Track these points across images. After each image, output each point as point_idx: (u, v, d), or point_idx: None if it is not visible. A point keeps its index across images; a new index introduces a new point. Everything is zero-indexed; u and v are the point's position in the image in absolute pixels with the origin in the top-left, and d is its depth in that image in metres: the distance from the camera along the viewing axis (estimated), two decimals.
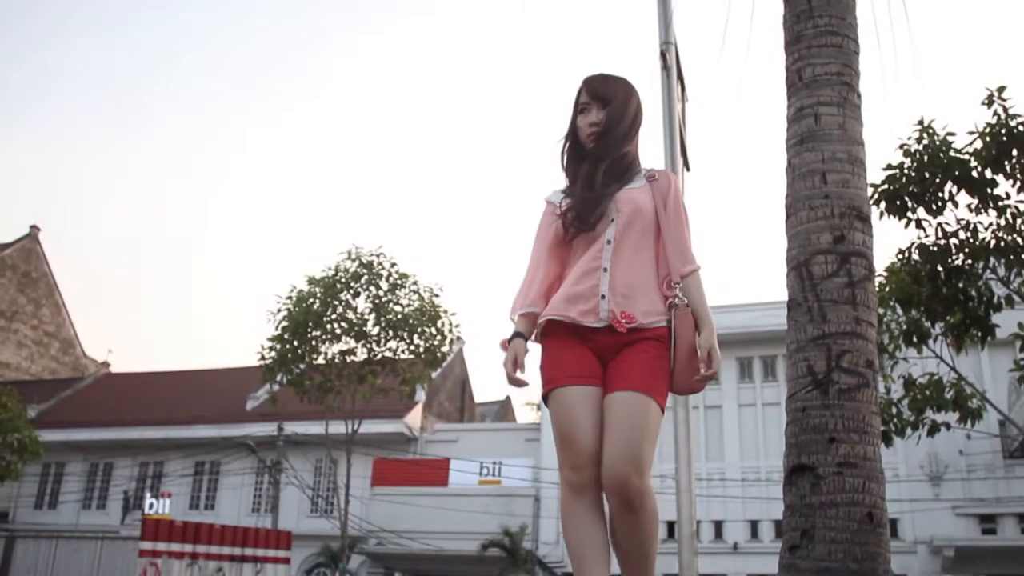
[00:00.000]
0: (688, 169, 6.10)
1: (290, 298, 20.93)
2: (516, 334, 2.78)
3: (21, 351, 38.92)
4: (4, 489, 28.73)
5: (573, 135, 2.94)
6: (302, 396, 21.52)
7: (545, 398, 2.72)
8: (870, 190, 8.28)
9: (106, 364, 39.73)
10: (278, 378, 21.79)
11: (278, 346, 20.79)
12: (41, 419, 31.25)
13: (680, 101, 6.13)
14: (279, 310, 20.87)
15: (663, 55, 5.95)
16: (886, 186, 9.74)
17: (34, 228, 40.49)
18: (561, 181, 3.00)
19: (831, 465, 4.28)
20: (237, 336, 74.06)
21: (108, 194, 71.47)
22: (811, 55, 5.21)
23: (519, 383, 2.72)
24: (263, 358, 21.27)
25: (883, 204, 9.72)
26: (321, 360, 21.29)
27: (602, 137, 2.84)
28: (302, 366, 21.35)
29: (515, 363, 2.73)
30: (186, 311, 75.75)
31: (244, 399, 31.44)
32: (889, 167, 9.79)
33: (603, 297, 2.68)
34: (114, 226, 73.12)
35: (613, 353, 2.68)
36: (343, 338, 21.04)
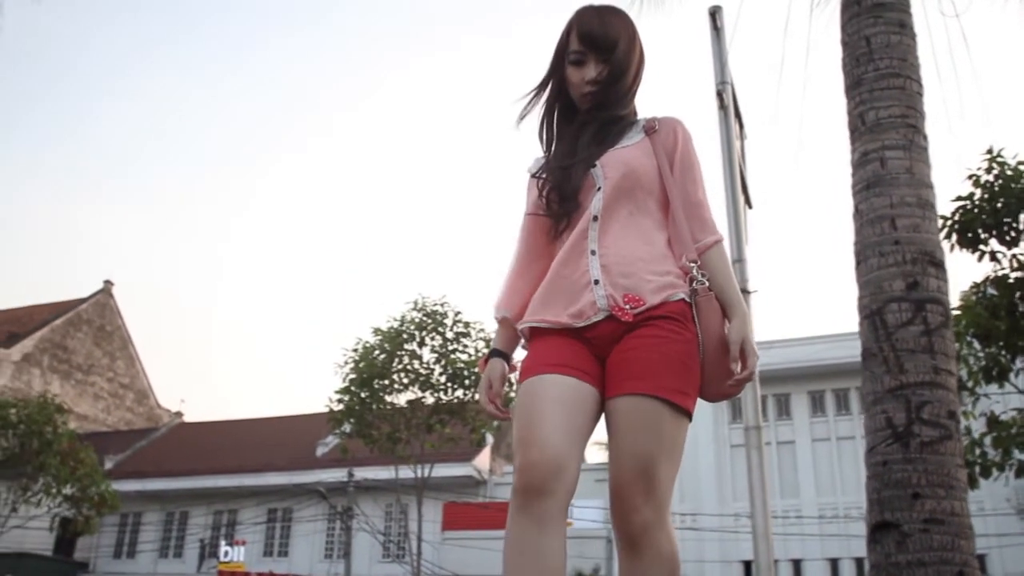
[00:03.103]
0: (750, 207, 6.05)
1: (356, 350, 21.21)
2: (493, 352, 2.25)
3: (98, 403, 39.84)
4: (84, 539, 29.30)
5: (560, 90, 2.27)
6: (371, 447, 21.69)
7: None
8: (939, 222, 8.12)
9: (179, 414, 40.44)
10: (346, 429, 22.01)
11: (345, 398, 21.04)
12: (118, 470, 31.91)
13: (739, 139, 6.11)
14: (346, 362, 21.15)
15: (720, 95, 5.94)
16: (957, 218, 9.52)
17: (107, 283, 41.57)
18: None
19: (916, 522, 4.16)
20: (306, 382, 74.89)
21: (177, 247, 73.31)
22: (873, 99, 5.15)
23: (496, 416, 2.17)
24: (331, 412, 21.55)
25: (954, 237, 9.50)
26: (388, 411, 21.46)
27: (601, 96, 2.20)
28: (370, 417, 21.53)
29: (488, 394, 2.19)
30: (255, 359, 76.99)
31: (314, 445, 31.70)
32: (959, 199, 9.58)
33: (596, 282, 2.06)
34: (183, 278, 74.89)
35: (615, 342, 2.05)
36: (409, 388, 21.22)
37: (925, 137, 5.08)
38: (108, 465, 32.44)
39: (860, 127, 5.15)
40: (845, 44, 5.44)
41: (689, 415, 1.99)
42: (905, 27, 5.33)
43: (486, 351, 2.37)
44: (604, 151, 2.17)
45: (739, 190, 5.71)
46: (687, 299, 2.07)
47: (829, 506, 24.56)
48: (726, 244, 5.18)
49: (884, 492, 4.32)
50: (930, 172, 5.02)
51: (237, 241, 72.72)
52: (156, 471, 32.45)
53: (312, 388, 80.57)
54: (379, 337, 21.17)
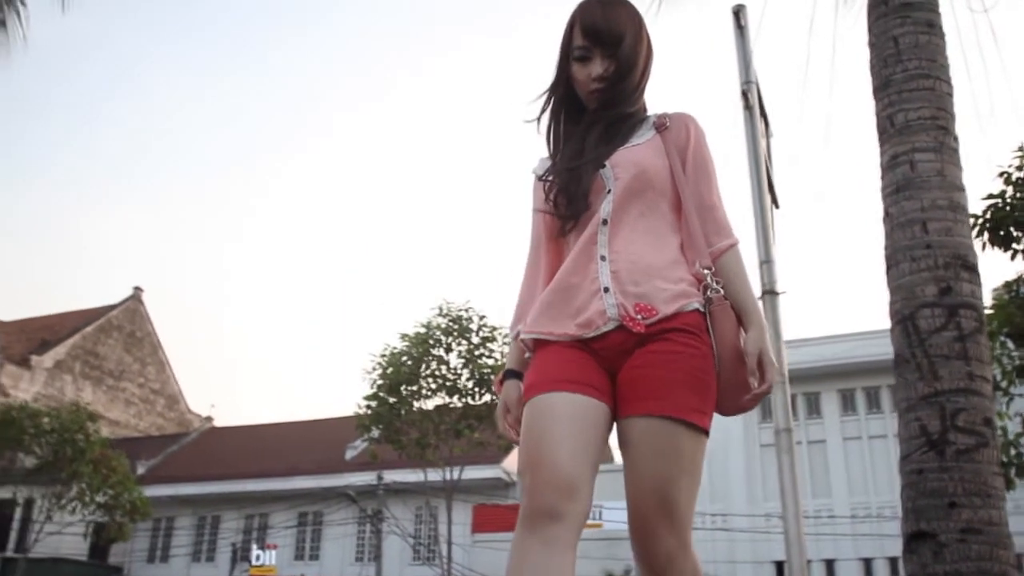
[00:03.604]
0: (777, 206, 6.00)
1: (383, 356, 21.32)
2: (509, 373, 2.13)
3: (129, 409, 40.23)
4: (118, 545, 29.58)
5: (567, 88, 2.15)
6: (400, 453, 21.78)
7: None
8: (971, 221, 8.01)
9: (209, 419, 40.75)
10: (375, 434, 22.13)
11: (373, 404, 21.15)
12: (150, 475, 32.22)
13: (764, 137, 6.07)
14: (373, 368, 21.26)
15: (744, 95, 5.89)
16: (988, 216, 9.39)
17: (137, 289, 41.98)
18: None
19: (953, 532, 4.09)
20: (334, 385, 75.26)
21: (204, 251, 73.89)
22: (902, 100, 5.08)
23: (517, 442, 1.99)
24: (360, 418, 21.69)
25: (986, 235, 9.36)
26: (416, 415, 21.54)
27: (609, 93, 2.08)
28: (398, 424, 21.63)
29: (507, 416, 2.08)
30: (283, 362, 77.46)
31: (343, 449, 31.83)
32: (990, 196, 9.44)
33: (607, 290, 1.94)
34: (211, 282, 75.48)
35: (626, 357, 1.93)
36: (437, 393, 21.30)
37: (956, 138, 5.00)
38: (140, 470, 32.75)
39: (889, 129, 5.08)
40: (872, 45, 5.37)
41: (707, 433, 1.89)
42: (934, 27, 5.26)
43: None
44: (613, 150, 2.06)
45: (766, 190, 5.66)
46: (701, 309, 1.96)
47: (862, 505, 24.33)
48: (753, 245, 5.07)
49: (919, 501, 4.25)
50: (961, 174, 4.94)
51: (265, 245, 73.19)
52: (188, 476, 32.72)
53: (341, 391, 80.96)
54: (406, 342, 21.26)
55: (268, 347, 75.62)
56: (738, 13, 5.60)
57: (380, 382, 21.09)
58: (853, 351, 24.61)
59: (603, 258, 1.97)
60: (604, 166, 2.03)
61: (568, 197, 2.03)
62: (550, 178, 2.09)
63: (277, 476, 31.22)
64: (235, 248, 73.55)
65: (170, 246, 70.97)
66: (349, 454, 31.51)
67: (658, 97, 2.22)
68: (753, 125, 5.80)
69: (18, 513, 28.87)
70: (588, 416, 1.86)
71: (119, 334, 40.21)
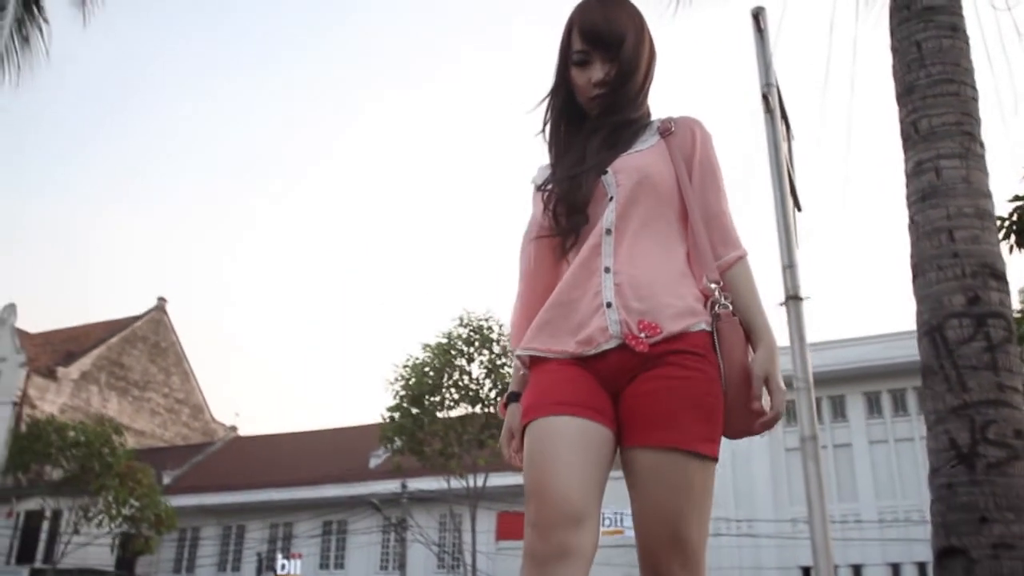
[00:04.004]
0: (800, 209, 5.95)
1: (406, 366, 21.35)
2: (512, 396, 2.02)
3: (154, 419, 40.50)
4: (145, 556, 29.77)
5: (567, 93, 2.05)
6: (424, 463, 21.81)
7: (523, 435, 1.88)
8: (997, 224, 7.89)
9: (234, 428, 40.96)
10: (398, 444, 22.16)
11: (396, 415, 21.19)
12: (176, 485, 32.42)
13: (786, 140, 6.01)
14: (396, 379, 21.30)
15: (765, 98, 5.84)
16: (1015, 219, 9.24)
17: (161, 300, 42.28)
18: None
19: (985, 547, 4.01)
20: (357, 392, 75.50)
21: (228, 262, 74.35)
22: (926, 106, 5.00)
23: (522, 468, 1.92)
24: (383, 428, 21.74)
25: (1013, 238, 9.22)
26: (439, 427, 21.56)
27: (611, 98, 1.98)
28: (421, 435, 21.66)
29: (512, 443, 1.98)
30: (306, 369, 77.73)
31: (367, 457, 31.89)
32: (1016, 198, 9.30)
33: (609, 305, 1.83)
34: (234, 291, 75.90)
35: (628, 378, 1.82)
36: (460, 403, 21.31)
37: (981, 144, 4.92)
38: (166, 480, 32.97)
39: (913, 135, 5.01)
40: (895, 50, 5.30)
41: (716, 460, 1.79)
42: (957, 31, 5.18)
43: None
44: (616, 156, 1.94)
45: (788, 194, 5.60)
46: (709, 328, 1.84)
47: (889, 510, 24.09)
48: (775, 250, 4.98)
49: (950, 516, 4.17)
50: (988, 180, 4.86)
51: (289, 254, 73.52)
52: (213, 485, 32.88)
53: (364, 398, 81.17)
54: (428, 353, 21.29)
55: (291, 355, 75.96)
56: (757, 16, 5.54)
57: (403, 393, 21.15)
58: (878, 353, 24.40)
59: (607, 270, 1.86)
60: (606, 172, 1.92)
61: (568, 207, 1.92)
62: (549, 187, 1.98)
63: (302, 485, 31.32)
64: (258, 257, 73.95)
65: (193, 255, 71.47)
66: (373, 462, 31.57)
67: (678, 101, 2.16)
68: (774, 128, 5.74)
69: (46, 525, 29.10)
70: (591, 442, 1.76)
71: (144, 345, 40.51)
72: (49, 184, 67.31)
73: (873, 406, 25.71)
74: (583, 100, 2.01)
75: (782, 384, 1.81)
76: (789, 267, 4.67)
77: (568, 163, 1.98)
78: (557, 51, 2.05)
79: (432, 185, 74.35)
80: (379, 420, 22.01)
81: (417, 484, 26.51)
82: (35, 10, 11.53)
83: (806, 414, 4.54)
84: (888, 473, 24.66)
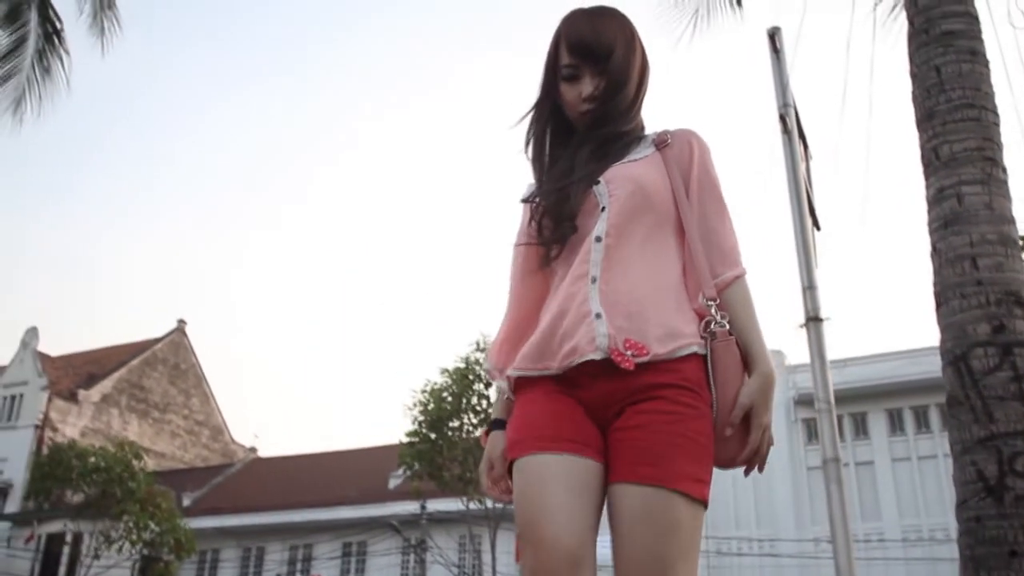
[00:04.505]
0: (819, 228, 5.91)
1: (424, 391, 21.41)
2: (494, 424, 1.92)
3: (175, 441, 40.65)
4: None
5: (554, 107, 1.96)
6: (443, 488, 21.82)
7: (510, 470, 1.78)
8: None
9: (253, 449, 41.05)
10: (417, 469, 22.20)
11: (416, 440, 21.24)
12: (196, 507, 32.47)
13: (804, 160, 5.99)
14: (414, 404, 21.35)
15: (782, 119, 5.81)
16: None
17: (181, 322, 42.52)
18: None
19: None
20: (376, 414, 75.55)
21: (247, 283, 74.74)
22: (947, 131, 4.96)
23: (503, 500, 1.84)
24: (402, 454, 21.79)
25: None
26: (458, 451, 21.58)
27: (601, 112, 1.88)
28: (440, 460, 21.69)
29: (491, 473, 1.88)
30: (325, 391, 77.89)
31: (386, 477, 31.88)
32: None
33: (598, 316, 1.72)
34: (253, 313, 76.25)
35: (616, 409, 1.72)
36: (479, 428, 21.33)
37: (1004, 170, 4.87)
38: (186, 502, 33.03)
39: (934, 161, 4.96)
40: (914, 75, 5.26)
41: (705, 504, 1.67)
42: (977, 55, 5.14)
43: None
44: (607, 167, 1.85)
45: (806, 213, 5.57)
46: (701, 352, 1.73)
47: (913, 528, 23.85)
48: (795, 270, 4.92)
49: (978, 549, 4.11)
50: (1011, 206, 4.81)
51: (307, 275, 73.81)
52: (232, 507, 32.92)
53: (383, 419, 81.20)
54: (446, 377, 21.35)
55: (311, 376, 76.15)
56: (773, 36, 5.52)
57: (421, 418, 21.20)
58: (900, 370, 24.24)
59: (594, 280, 1.76)
60: (598, 182, 1.83)
61: (554, 219, 1.83)
62: (536, 200, 1.89)
63: (321, 506, 31.32)
64: (278, 279, 74.28)
65: (212, 277, 71.86)
66: (392, 483, 31.54)
67: (697, 122, 2.10)
68: (792, 149, 5.73)
69: (66, 549, 29.18)
70: (581, 479, 1.67)
71: (164, 367, 40.72)
72: (70, 209, 67.95)
73: (895, 423, 25.49)
74: (573, 115, 1.93)
75: (766, 420, 1.72)
76: (809, 288, 4.63)
77: (556, 175, 1.89)
78: (543, 64, 1.97)
79: (449, 208, 74.58)
80: (398, 441, 22.07)
81: (436, 505, 26.46)
82: (56, 41, 11.67)
83: (828, 436, 4.49)
84: (911, 491, 24.43)
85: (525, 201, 1.94)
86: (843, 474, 4.90)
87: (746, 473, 1.79)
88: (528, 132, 1.98)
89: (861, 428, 25.55)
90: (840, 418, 24.78)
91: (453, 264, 75.27)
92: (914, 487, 24.41)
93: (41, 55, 11.69)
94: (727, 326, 1.74)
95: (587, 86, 1.87)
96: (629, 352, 1.69)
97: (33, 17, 11.69)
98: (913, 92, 5.26)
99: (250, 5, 74.22)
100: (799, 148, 5.86)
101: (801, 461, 25.25)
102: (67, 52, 11.78)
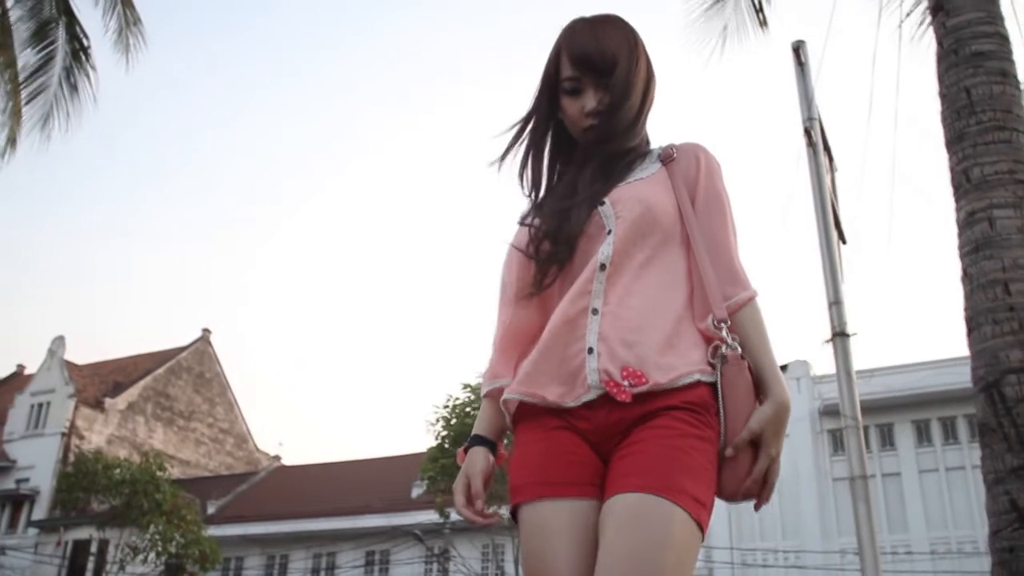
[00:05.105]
0: (844, 242, 5.87)
1: (446, 407, 21.37)
2: (474, 439, 1.80)
3: (199, 449, 40.88)
4: None
5: (550, 124, 1.88)
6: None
7: (514, 515, 1.68)
8: None
9: (277, 457, 41.19)
10: (440, 484, 22.16)
11: (439, 456, 21.21)
12: (220, 515, 32.62)
13: (829, 172, 5.94)
14: (437, 420, 21.32)
15: (807, 132, 5.77)
16: None
17: (205, 331, 42.81)
18: None
19: None
20: (399, 422, 75.74)
21: (270, 293, 75.15)
22: (977, 154, 4.91)
23: (477, 523, 1.73)
24: (424, 469, 21.77)
25: None
26: None
27: (605, 127, 1.78)
28: None
29: (467, 493, 1.73)
30: (347, 397, 78.14)
31: (409, 486, 31.88)
32: None
33: (590, 351, 1.64)
34: (277, 321, 76.64)
35: (618, 439, 1.62)
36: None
37: None
38: (210, 510, 33.18)
39: (965, 184, 4.91)
40: (944, 96, 5.21)
41: (703, 531, 1.53)
42: (1008, 76, 5.09)
43: None
44: (612, 187, 1.75)
45: (832, 227, 5.52)
46: (707, 380, 1.63)
47: (941, 540, 23.55)
48: (822, 284, 4.88)
49: None
50: None
51: (331, 283, 74.12)
52: (256, 515, 33.03)
53: (405, 427, 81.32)
54: (468, 392, 21.29)
55: (334, 383, 76.41)
56: (798, 50, 5.49)
57: (444, 434, 21.14)
58: (927, 380, 23.97)
59: (595, 311, 1.66)
60: (603, 203, 1.73)
61: (553, 241, 1.73)
62: (535, 221, 1.79)
63: (344, 515, 31.36)
64: (301, 286, 74.64)
65: (237, 286, 72.30)
66: (415, 492, 31.53)
67: (722, 136, 1.99)
68: (817, 162, 5.68)
69: (92, 557, 29.41)
70: (585, 523, 1.58)
71: (188, 375, 40.99)
72: (95, 220, 68.60)
73: (922, 434, 25.21)
74: (575, 130, 1.83)
75: (775, 450, 1.61)
76: (835, 303, 4.59)
77: (558, 195, 1.79)
78: (542, 76, 1.86)
79: (475, 217, 74.68)
80: (420, 449, 22.08)
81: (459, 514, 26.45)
82: (83, 58, 11.79)
83: (856, 454, 4.44)
84: (939, 503, 24.14)
85: (522, 223, 1.84)
86: (870, 486, 4.82)
87: (756, 507, 1.67)
88: (514, 145, 1.88)
89: (888, 439, 25.30)
90: (866, 429, 24.54)
91: (478, 275, 75.39)
92: (942, 499, 24.13)
93: (68, 72, 11.82)
94: (739, 349, 1.64)
95: (590, 100, 1.79)
96: (626, 382, 1.59)
97: (61, 35, 11.82)
98: (942, 113, 5.20)
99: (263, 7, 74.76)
100: (824, 161, 5.81)
101: (827, 472, 25.02)
102: (94, 68, 11.91)
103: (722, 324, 1.65)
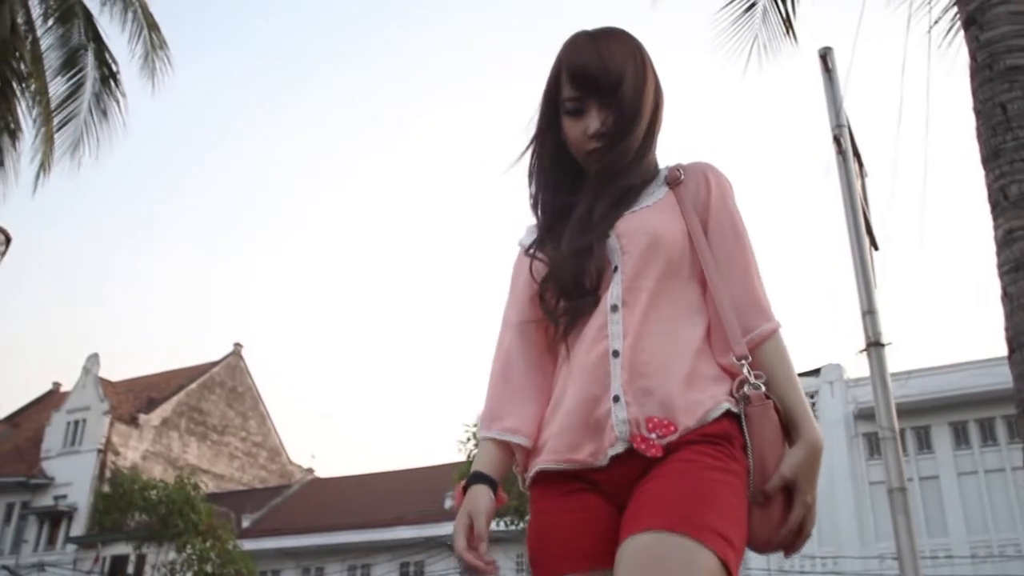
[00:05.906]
0: (876, 248, 5.79)
1: (476, 425, 21.40)
2: (476, 477, 1.65)
3: (233, 463, 41.15)
4: None
5: (555, 144, 1.73)
6: (498, 521, 21.85)
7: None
8: None
9: (310, 470, 41.38)
10: None
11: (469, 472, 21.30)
12: (254, 528, 32.84)
13: (859, 178, 5.87)
14: (467, 439, 21.28)
15: (836, 139, 5.71)
16: None
17: (237, 345, 43.12)
18: None
19: None
20: (431, 432, 75.92)
21: (300, 305, 75.58)
22: (1014, 171, 4.84)
23: (479, 569, 1.59)
24: (456, 485, 21.84)
25: None
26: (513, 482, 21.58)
27: (611, 151, 1.65)
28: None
29: (468, 537, 1.60)
30: (380, 410, 78.40)
31: (442, 497, 31.91)
32: None
33: (616, 400, 1.51)
34: (308, 333, 77.07)
35: (637, 481, 1.50)
36: None
37: None
38: (245, 524, 33.39)
39: (1002, 202, 4.84)
40: (978, 112, 5.13)
41: (730, 565, 1.36)
42: None
43: None
44: (619, 215, 1.63)
45: (864, 234, 5.45)
46: (733, 410, 1.51)
47: (982, 544, 23.22)
48: (855, 293, 4.81)
49: None
50: None
51: (361, 295, 74.45)
52: (291, 528, 33.20)
53: (438, 437, 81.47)
54: None
55: (365, 394, 76.69)
56: (825, 56, 5.43)
57: (474, 451, 21.17)
58: (964, 381, 23.67)
59: (616, 354, 1.53)
60: (609, 236, 1.61)
61: (568, 293, 1.61)
62: (540, 256, 1.67)
63: (379, 527, 31.47)
64: (331, 299, 75.04)
65: (267, 299, 72.79)
66: (448, 503, 31.56)
67: (750, 145, 1.88)
68: (847, 169, 5.62)
69: (130, 575, 29.70)
70: None
71: (221, 390, 41.30)
72: (127, 237, 69.35)
73: (960, 436, 24.88)
74: (578, 154, 1.69)
75: (811, 497, 1.49)
76: (869, 312, 4.53)
77: (571, 233, 1.64)
78: (542, 95, 1.73)
79: (503, 233, 74.71)
80: (453, 460, 22.08)
81: (493, 524, 26.39)
82: (112, 84, 11.94)
83: (893, 464, 4.37)
84: (979, 506, 23.80)
85: (527, 253, 1.71)
86: (908, 493, 4.72)
87: (786, 555, 1.56)
88: (531, 174, 1.76)
89: (925, 442, 24.99)
90: (903, 432, 24.20)
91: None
92: (982, 502, 23.79)
93: (98, 98, 11.98)
94: (763, 388, 1.51)
95: (594, 121, 1.64)
96: (654, 435, 1.47)
97: (90, 61, 11.98)
98: (977, 129, 5.13)
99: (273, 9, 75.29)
100: (854, 167, 5.75)
101: (863, 476, 24.75)
102: (123, 94, 12.06)
103: (743, 361, 1.53)
